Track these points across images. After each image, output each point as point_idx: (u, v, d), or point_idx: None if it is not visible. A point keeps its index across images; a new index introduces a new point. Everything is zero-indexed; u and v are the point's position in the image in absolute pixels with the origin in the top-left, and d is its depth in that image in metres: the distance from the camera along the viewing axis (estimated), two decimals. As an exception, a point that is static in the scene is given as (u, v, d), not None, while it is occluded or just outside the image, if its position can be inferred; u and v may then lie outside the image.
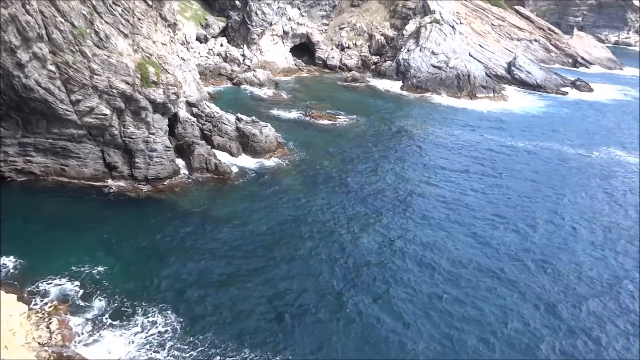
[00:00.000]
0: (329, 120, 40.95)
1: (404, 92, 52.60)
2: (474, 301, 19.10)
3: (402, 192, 28.13)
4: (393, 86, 54.21)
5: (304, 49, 61.13)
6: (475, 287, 19.97)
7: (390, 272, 20.59)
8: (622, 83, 71.48)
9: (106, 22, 25.03)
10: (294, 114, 41.57)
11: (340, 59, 60.27)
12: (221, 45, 54.25)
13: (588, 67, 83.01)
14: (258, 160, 31.05)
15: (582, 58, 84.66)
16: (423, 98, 51.22)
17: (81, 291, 17.88)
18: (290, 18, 57.00)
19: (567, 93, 59.83)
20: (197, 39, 52.08)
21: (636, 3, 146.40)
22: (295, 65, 58.30)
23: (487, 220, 25.53)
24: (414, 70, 54.52)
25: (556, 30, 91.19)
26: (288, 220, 24.20)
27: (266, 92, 46.76)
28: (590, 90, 63.11)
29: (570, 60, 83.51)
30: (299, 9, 57.87)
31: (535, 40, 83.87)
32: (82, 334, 16.08)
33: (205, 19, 54.86)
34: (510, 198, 28.48)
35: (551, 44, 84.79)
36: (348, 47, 61.76)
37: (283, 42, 57.82)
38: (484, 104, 50.89)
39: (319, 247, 22.05)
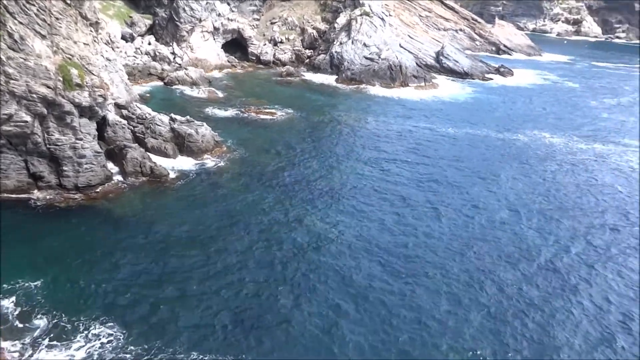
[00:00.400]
0: (266, 116, 40.70)
1: (339, 85, 53.17)
2: (409, 290, 19.69)
3: (340, 184, 28.43)
4: (328, 79, 54.65)
5: (236, 45, 60.26)
6: (411, 276, 20.57)
7: (325, 265, 20.75)
8: (542, 68, 76.02)
9: (20, 22, 23.41)
10: (230, 112, 40.96)
11: (274, 54, 59.94)
12: (149, 43, 52.39)
13: (510, 54, 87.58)
14: (196, 161, 30.35)
15: (505, 46, 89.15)
16: (358, 90, 52.03)
17: (17, 310, 16.76)
18: (220, 14, 55.93)
19: (492, 79, 62.86)
20: (123, 38, 49.97)
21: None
22: (229, 61, 57.38)
23: (421, 208, 26.32)
24: (348, 62, 55.18)
25: (479, 20, 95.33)
26: (226, 219, 23.84)
27: (200, 91, 45.67)
28: (513, 75, 66.67)
29: (493, 48, 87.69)
30: (229, 4, 56.89)
31: (461, 30, 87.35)
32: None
33: (130, 17, 52.72)
34: (443, 184, 29.52)
35: (475, 33, 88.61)
36: (281, 42, 61.52)
37: (214, 39, 56.69)
38: (416, 93, 52.44)
39: (257, 244, 21.92)
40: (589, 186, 30.67)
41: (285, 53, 60.37)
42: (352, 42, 56.35)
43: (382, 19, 60.29)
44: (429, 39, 72.15)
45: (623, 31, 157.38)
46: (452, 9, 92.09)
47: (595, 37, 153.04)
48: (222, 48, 58.06)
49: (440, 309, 18.37)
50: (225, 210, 24.60)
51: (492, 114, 46.68)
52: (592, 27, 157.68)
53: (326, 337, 16.74)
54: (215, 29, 56.11)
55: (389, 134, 38.09)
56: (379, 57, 55.67)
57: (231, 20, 57.75)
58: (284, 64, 58.48)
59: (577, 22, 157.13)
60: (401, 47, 62.21)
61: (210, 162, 30.30)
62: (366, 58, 55.61)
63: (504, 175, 31.32)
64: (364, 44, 56.19)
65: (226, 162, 30.44)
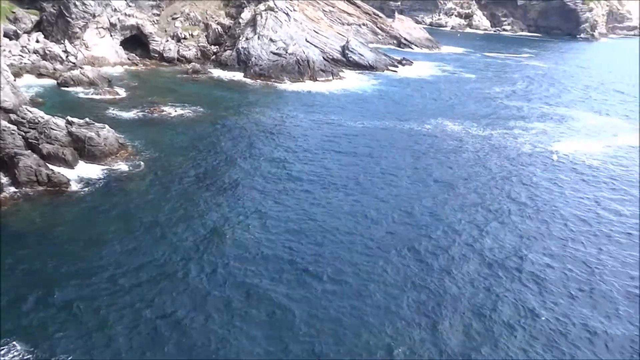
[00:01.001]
0: (174, 115, 39.18)
1: (248, 81, 52.55)
2: (312, 291, 20.03)
3: (248, 183, 27.98)
4: (236, 75, 53.79)
5: (136, 42, 57.24)
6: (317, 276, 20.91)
7: (245, 269, 20.45)
8: (440, 60, 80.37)
9: None
10: (134, 112, 38.90)
11: (178, 51, 57.76)
12: (37, 41, 48.24)
13: (411, 47, 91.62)
14: (99, 166, 28.48)
15: (405, 39, 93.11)
16: (267, 85, 51.76)
17: None
18: (115, 9, 52.79)
19: (395, 71, 65.41)
20: (6, 35, 45.46)
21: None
22: (129, 59, 54.43)
23: (331, 203, 26.80)
24: (255, 58, 54.62)
25: (380, 14, 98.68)
26: (136, 225, 22.62)
27: (99, 91, 42.88)
28: (415, 67, 69.89)
29: (395, 42, 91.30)
30: (125, -2, 53.85)
31: (364, 24, 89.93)
32: None
33: (13, 12, 48.13)
34: (351, 178, 30.24)
35: (378, 28, 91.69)
36: (184, 38, 59.41)
37: (111, 35, 53.47)
38: (325, 86, 53.24)
39: (171, 249, 21.06)
40: (500, 169, 32.88)
41: (189, 49, 58.41)
42: (259, 38, 55.84)
43: (287, 14, 60.35)
44: (334, 33, 73.40)
45: (509, 24, 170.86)
46: (354, 4, 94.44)
47: (485, 29, 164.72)
48: (121, 45, 54.89)
49: (344, 312, 18.50)
50: (136, 218, 23.33)
51: (397, 105, 48.59)
52: (481, 21, 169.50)
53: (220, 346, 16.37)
54: (112, 25, 52.91)
55: (298, 129, 38.25)
56: (286, 52, 55.71)
57: (129, 15, 54.77)
58: (189, 61, 56.58)
59: (468, 16, 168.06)
60: (307, 41, 62.70)
61: (115, 166, 28.59)
62: (273, 53, 55.40)
63: (413, 164, 32.76)
64: (271, 39, 55.91)
65: (133, 166, 28.90)
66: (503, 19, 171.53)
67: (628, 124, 47.21)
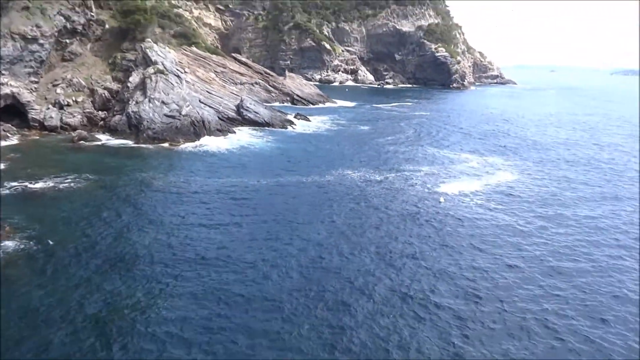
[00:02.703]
0: (57, 187, 36.20)
1: (141, 145, 50.58)
2: None
3: (139, 254, 25.87)
4: (127, 140, 51.62)
5: (13, 111, 52.99)
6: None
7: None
8: (333, 113, 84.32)
9: None
10: (11, 187, 35.31)
11: (61, 119, 54.38)
12: None
13: (304, 103, 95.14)
14: (-30, 251, 25.12)
15: (298, 95, 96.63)
16: (161, 148, 50.21)
17: None
18: (-14, 78, 48.78)
19: (292, 127, 67.14)
20: None
21: (327, 46, 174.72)
22: (4, 131, 50.03)
23: (236, 266, 26.13)
24: (147, 122, 53.04)
25: (272, 73, 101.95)
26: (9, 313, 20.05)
27: (-32, 167, 38.61)
28: (310, 122, 72.37)
29: (288, 98, 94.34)
30: (-3, 67, 50.09)
31: (256, 83, 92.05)
32: None
33: None
34: (255, 237, 29.86)
35: (270, 85, 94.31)
36: (68, 105, 56.23)
37: (-18, 106, 49.01)
38: (223, 145, 52.90)
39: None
40: (396, 212, 34.25)
41: (74, 116, 55.28)
42: (150, 101, 54.54)
43: (178, 76, 59.97)
44: (228, 93, 74.12)
45: (390, 77, 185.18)
46: (245, 64, 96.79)
47: (370, 83, 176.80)
48: (-7, 116, 50.46)
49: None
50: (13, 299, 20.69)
51: (297, 159, 49.51)
52: (366, 75, 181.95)
53: None
54: (-18, 95, 48.69)
55: (197, 192, 37.03)
56: (180, 114, 54.90)
57: (3, 84, 50.88)
58: (74, 129, 53.43)
59: (354, 72, 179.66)
60: (201, 102, 62.51)
61: (-9, 249, 25.40)
62: (167, 116, 54.28)
63: (316, 215, 33.12)
64: (163, 102, 54.87)
65: (12, 246, 25.89)
66: (385, 73, 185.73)
67: (503, 161, 52.30)
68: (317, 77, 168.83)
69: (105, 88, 59.02)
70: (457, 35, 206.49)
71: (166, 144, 51.46)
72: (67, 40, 59.96)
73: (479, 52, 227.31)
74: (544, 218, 34.64)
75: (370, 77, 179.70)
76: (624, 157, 58.96)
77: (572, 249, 29.32)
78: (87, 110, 56.92)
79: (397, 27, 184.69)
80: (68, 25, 59.46)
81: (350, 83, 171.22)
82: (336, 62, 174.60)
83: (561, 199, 39.68)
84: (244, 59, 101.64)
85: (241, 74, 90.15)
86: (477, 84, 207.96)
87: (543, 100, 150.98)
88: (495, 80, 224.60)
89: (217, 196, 36.23)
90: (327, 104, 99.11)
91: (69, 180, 37.55)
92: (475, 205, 36.64)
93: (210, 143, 53.53)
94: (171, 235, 28.49)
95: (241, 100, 69.27)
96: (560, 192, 41.69)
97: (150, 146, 50.49)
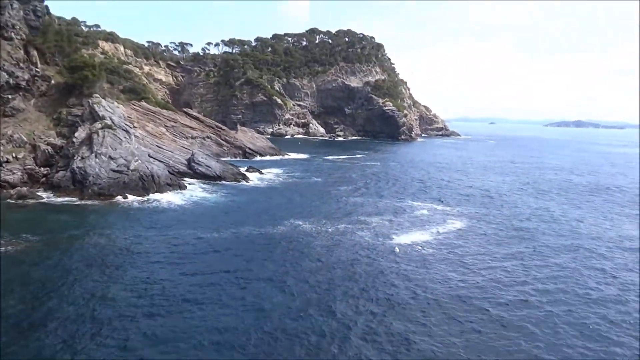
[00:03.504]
0: (-6, 248, 33.80)
1: (86, 202, 48.51)
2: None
3: (85, 319, 24.74)
4: (71, 197, 49.47)
5: (-56, 169, 50.00)
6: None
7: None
8: (286, 166, 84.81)
9: None
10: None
11: (-1, 176, 51.73)
12: None
13: (256, 156, 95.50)
14: None
15: (250, 149, 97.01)
16: (108, 204, 48.35)
17: None
18: None
19: (244, 180, 66.75)
20: None
21: (279, 101, 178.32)
22: None
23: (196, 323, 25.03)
24: (93, 177, 51.27)
25: (223, 127, 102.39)
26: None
27: None
28: (263, 175, 72.33)
29: (240, 152, 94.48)
30: None
31: (208, 137, 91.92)
32: None
33: None
34: (217, 290, 28.87)
35: (222, 139, 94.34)
36: (7, 162, 53.66)
37: None
38: (173, 200, 51.66)
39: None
40: (349, 264, 34.04)
41: (14, 173, 52.70)
42: (96, 156, 53.02)
43: (127, 131, 59.00)
44: (179, 147, 73.39)
45: (341, 130, 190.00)
46: (196, 118, 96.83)
47: (322, 136, 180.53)
48: None
49: None
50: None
51: (250, 212, 48.91)
52: (317, 129, 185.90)
53: None
54: None
55: (146, 249, 35.66)
56: (128, 169, 53.53)
57: None
58: (13, 186, 50.83)
59: (305, 125, 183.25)
60: (151, 157, 61.42)
61: None
62: (114, 171, 52.76)
63: (269, 267, 32.44)
64: (110, 157, 53.47)
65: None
66: (335, 126, 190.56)
67: (452, 209, 53.75)
68: (269, 130, 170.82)
69: (48, 144, 57.04)
70: (403, 90, 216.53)
71: (113, 200, 49.71)
72: (10, 96, 58.20)
73: (424, 106, 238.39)
74: (491, 268, 35.45)
75: (322, 130, 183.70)
76: (559, 207, 62.06)
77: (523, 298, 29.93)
78: (28, 166, 54.52)
79: (346, 82, 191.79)
80: (11, 81, 57.98)
81: (301, 136, 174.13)
82: (288, 115, 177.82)
83: (506, 241, 40.91)
84: (195, 113, 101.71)
85: (192, 128, 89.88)
86: (423, 135, 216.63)
87: (484, 150, 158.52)
88: (440, 132, 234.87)
89: (165, 252, 34.89)
90: (280, 157, 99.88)
91: (5, 241, 35.21)
92: (428, 255, 37.08)
93: (160, 198, 52.22)
94: (115, 293, 26.98)
95: (192, 154, 68.64)
96: (504, 236, 43.03)
97: (96, 202, 48.58)
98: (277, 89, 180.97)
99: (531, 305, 28.28)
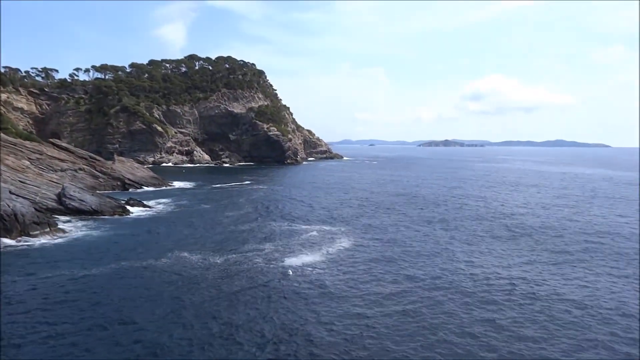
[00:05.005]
0: None
1: None
2: None
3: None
4: None
5: None
6: None
7: None
8: (171, 196, 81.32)
9: None
10: None
11: None
12: None
13: (137, 188, 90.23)
14: None
15: (129, 180, 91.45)
16: (-39, 251, 42.13)
17: None
18: None
19: (125, 213, 62.52)
20: None
21: (159, 128, 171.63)
22: None
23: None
24: (-60, 220, 44.43)
25: (98, 157, 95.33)
26: None
27: None
28: (146, 207, 68.36)
29: (119, 183, 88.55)
30: None
31: (80, 169, 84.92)
32: None
33: None
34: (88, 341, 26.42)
35: (97, 171, 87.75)
36: None
37: None
38: (43, 241, 46.59)
39: None
40: (240, 294, 33.16)
41: None
42: (-57, 196, 46.14)
43: (-18, 166, 52.27)
44: (46, 181, 66.74)
45: (227, 157, 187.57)
46: (66, 149, 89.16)
47: (207, 163, 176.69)
48: None
49: None
50: None
51: (129, 246, 45.72)
52: (202, 156, 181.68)
53: None
54: None
55: (18, 297, 31.74)
56: (-15, 209, 47.29)
57: None
58: None
59: (189, 153, 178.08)
60: (12, 193, 54.97)
61: None
62: (-33, 212, 46.26)
63: (149, 306, 30.51)
64: (-39, 196, 46.85)
65: None
66: (221, 152, 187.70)
67: (342, 229, 55.36)
68: (150, 159, 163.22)
69: None
70: (287, 115, 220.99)
71: (-34, 245, 43.45)
72: None
73: (308, 130, 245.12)
74: (382, 281, 36.99)
75: (207, 157, 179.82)
76: (450, 212, 67.20)
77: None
78: None
79: (229, 108, 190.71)
80: None
81: (186, 165, 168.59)
82: (170, 143, 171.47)
83: (395, 257, 43.05)
84: (64, 144, 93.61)
85: (62, 160, 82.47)
86: (309, 158, 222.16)
87: (367, 170, 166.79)
88: (324, 155, 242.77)
89: (35, 299, 31.22)
90: (164, 187, 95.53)
91: None
92: (322, 275, 37.60)
93: (25, 239, 46.74)
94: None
95: (63, 189, 62.83)
96: (392, 253, 45.29)
97: (-56, 250, 42.10)
98: (157, 116, 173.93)
99: (407, 313, 29.91)
